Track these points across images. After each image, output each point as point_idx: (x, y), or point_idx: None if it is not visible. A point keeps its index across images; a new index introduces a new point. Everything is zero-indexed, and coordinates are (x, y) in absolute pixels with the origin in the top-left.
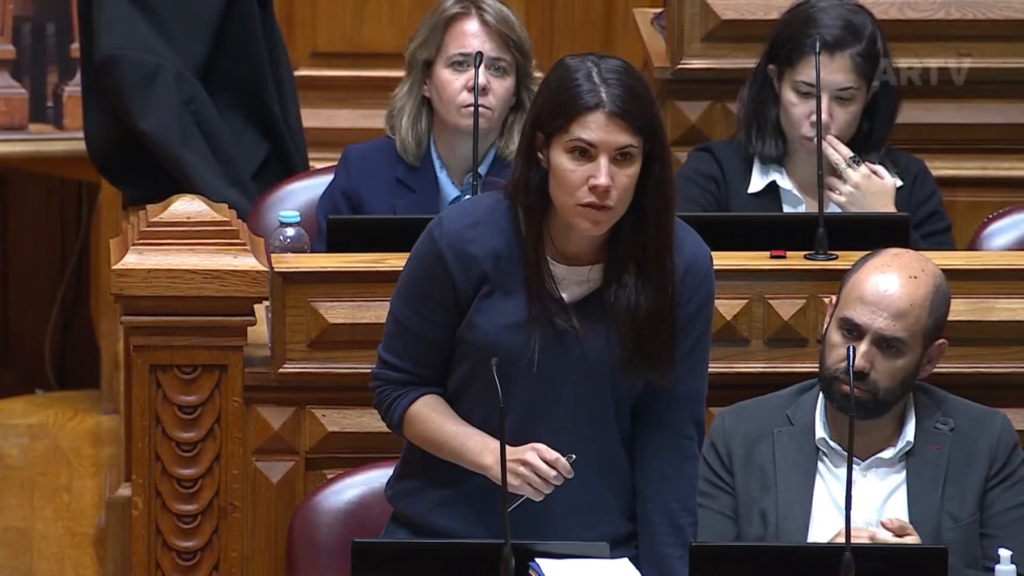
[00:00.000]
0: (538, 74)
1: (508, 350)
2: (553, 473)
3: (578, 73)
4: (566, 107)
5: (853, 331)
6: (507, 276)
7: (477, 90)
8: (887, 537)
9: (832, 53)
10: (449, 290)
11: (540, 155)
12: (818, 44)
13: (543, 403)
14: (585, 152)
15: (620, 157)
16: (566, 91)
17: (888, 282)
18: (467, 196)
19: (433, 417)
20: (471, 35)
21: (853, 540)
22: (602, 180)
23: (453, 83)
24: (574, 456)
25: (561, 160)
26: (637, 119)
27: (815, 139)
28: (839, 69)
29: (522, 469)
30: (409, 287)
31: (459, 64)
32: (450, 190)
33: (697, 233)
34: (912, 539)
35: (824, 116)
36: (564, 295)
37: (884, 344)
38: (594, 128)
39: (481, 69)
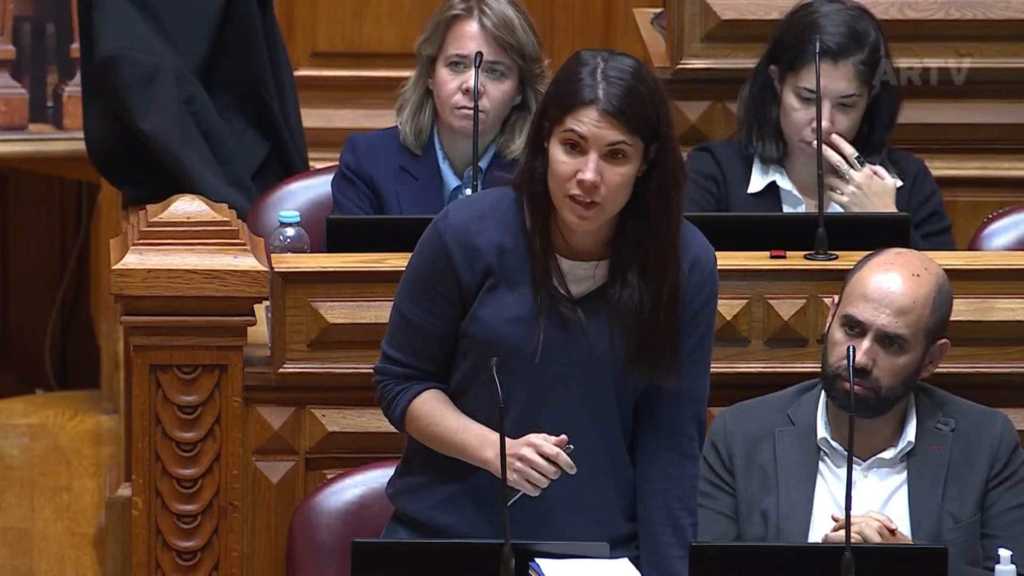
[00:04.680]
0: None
1: (512, 343)
2: (553, 469)
3: (583, 68)
4: (564, 99)
5: (855, 328)
6: (512, 270)
7: (476, 91)
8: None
9: (836, 61)
10: (453, 283)
11: (546, 144)
12: (817, 45)
13: (546, 398)
14: (577, 145)
15: (612, 155)
16: (568, 84)
17: (891, 280)
18: (467, 188)
19: (434, 412)
20: (469, 37)
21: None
22: (588, 175)
23: (449, 84)
24: (572, 447)
25: (556, 151)
26: (631, 119)
27: (816, 144)
28: (842, 77)
29: (518, 464)
30: (413, 281)
31: (456, 65)
32: (451, 180)
33: (702, 233)
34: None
35: (826, 123)
36: (570, 289)
37: (886, 341)
38: (586, 122)
39: (478, 72)
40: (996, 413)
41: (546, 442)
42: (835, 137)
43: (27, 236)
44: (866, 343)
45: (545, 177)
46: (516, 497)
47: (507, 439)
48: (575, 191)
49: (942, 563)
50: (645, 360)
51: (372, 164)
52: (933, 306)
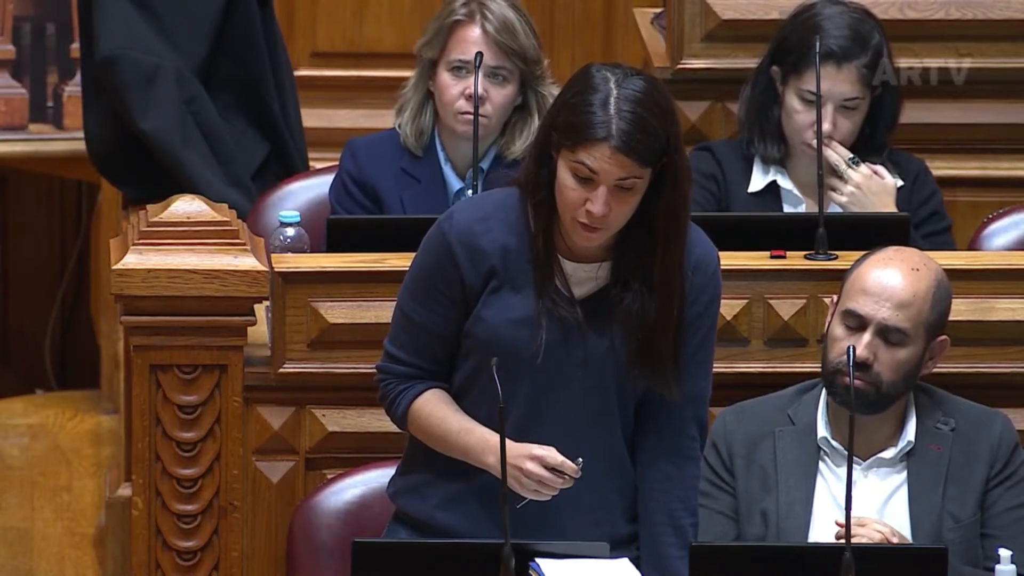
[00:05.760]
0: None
1: (514, 344)
2: (560, 481)
3: (596, 96)
4: (577, 131)
5: (856, 323)
6: (516, 271)
7: (477, 90)
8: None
9: (840, 64)
10: (457, 284)
11: (554, 154)
12: (818, 45)
13: (548, 400)
14: (587, 176)
15: (621, 187)
16: (580, 113)
17: (890, 274)
18: (469, 190)
19: (436, 412)
20: (471, 42)
21: (859, 530)
22: (597, 208)
23: (451, 88)
24: (581, 460)
25: (565, 176)
26: (643, 155)
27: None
28: (846, 80)
29: (524, 480)
30: (417, 280)
31: (458, 69)
32: (454, 182)
33: (705, 233)
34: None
35: (828, 126)
36: (573, 291)
37: (887, 334)
38: (598, 158)
39: (479, 76)
40: (996, 413)
41: (549, 453)
42: (832, 143)
43: (27, 236)
44: (867, 336)
45: (550, 184)
46: (524, 502)
47: (509, 445)
48: (583, 219)
49: (942, 563)
50: (645, 363)
51: (373, 169)
52: (933, 301)
